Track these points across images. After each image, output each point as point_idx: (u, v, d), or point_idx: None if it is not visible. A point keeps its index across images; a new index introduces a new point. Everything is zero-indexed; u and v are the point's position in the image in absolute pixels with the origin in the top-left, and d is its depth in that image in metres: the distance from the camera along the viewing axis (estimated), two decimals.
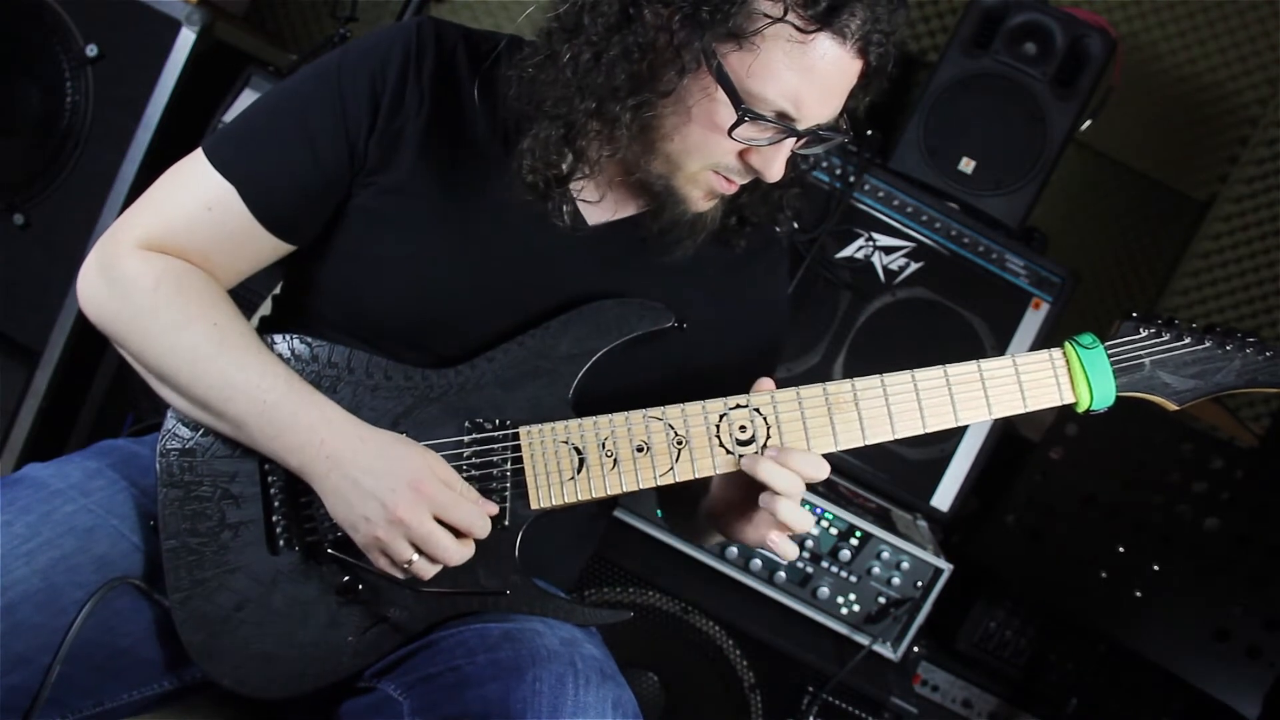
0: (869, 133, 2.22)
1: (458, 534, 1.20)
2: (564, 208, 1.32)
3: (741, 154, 1.26)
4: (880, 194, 2.21)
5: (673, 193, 1.29)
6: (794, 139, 1.25)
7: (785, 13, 1.16)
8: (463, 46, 1.35)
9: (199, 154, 1.30)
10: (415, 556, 1.19)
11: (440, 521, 1.19)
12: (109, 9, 2.14)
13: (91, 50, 2.15)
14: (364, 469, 1.19)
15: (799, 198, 1.43)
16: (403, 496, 1.17)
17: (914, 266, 2.21)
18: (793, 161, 1.33)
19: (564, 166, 1.28)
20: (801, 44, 1.18)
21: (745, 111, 1.20)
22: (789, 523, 1.20)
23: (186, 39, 2.13)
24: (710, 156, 1.26)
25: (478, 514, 1.20)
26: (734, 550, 2.03)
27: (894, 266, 2.21)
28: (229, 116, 2.16)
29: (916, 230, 2.21)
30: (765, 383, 1.26)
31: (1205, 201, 2.90)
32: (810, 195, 2.16)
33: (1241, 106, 2.82)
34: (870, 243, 2.21)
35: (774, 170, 1.26)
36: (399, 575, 1.21)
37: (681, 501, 1.46)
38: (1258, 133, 2.81)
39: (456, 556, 1.20)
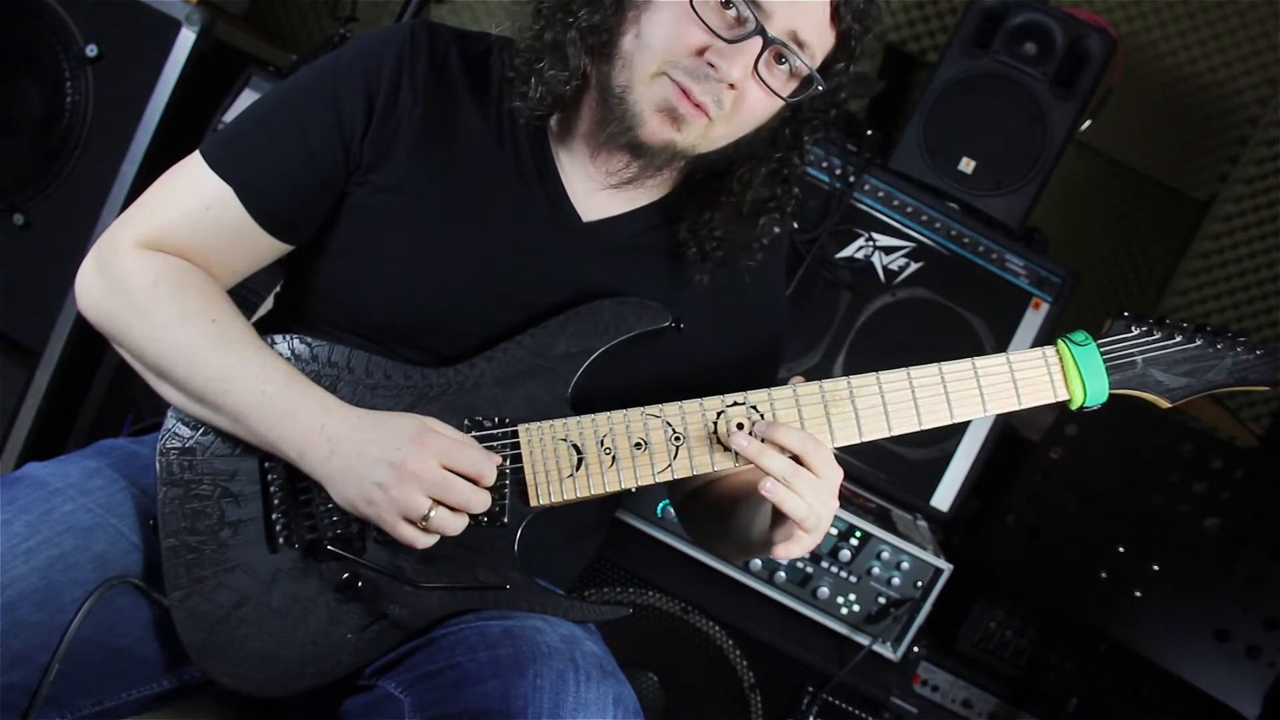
0: (869, 133, 2.22)
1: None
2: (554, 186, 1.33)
3: (700, 52, 1.22)
4: (880, 194, 2.21)
5: (629, 109, 1.25)
6: (760, 41, 1.21)
7: None
8: (456, 47, 1.37)
9: (196, 156, 1.31)
10: (434, 511, 1.18)
11: (450, 472, 1.19)
12: (109, 9, 2.15)
13: (91, 50, 2.15)
14: (365, 439, 1.20)
15: (796, 202, 1.42)
16: (409, 451, 1.18)
17: (914, 266, 2.21)
18: (787, 152, 1.33)
19: (535, 92, 1.29)
20: None
21: None
22: (778, 503, 1.17)
23: (186, 39, 2.13)
24: (667, 50, 1.22)
25: (484, 457, 1.21)
26: None
27: (894, 266, 2.21)
28: (229, 116, 2.17)
29: (916, 230, 2.21)
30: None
31: (1205, 201, 2.89)
32: (810, 195, 2.16)
33: (1241, 106, 2.82)
34: (870, 243, 2.20)
35: (734, 72, 1.21)
36: (422, 541, 1.20)
37: (718, 518, 1.45)
38: (1258, 133, 2.80)
39: (475, 501, 1.20)
